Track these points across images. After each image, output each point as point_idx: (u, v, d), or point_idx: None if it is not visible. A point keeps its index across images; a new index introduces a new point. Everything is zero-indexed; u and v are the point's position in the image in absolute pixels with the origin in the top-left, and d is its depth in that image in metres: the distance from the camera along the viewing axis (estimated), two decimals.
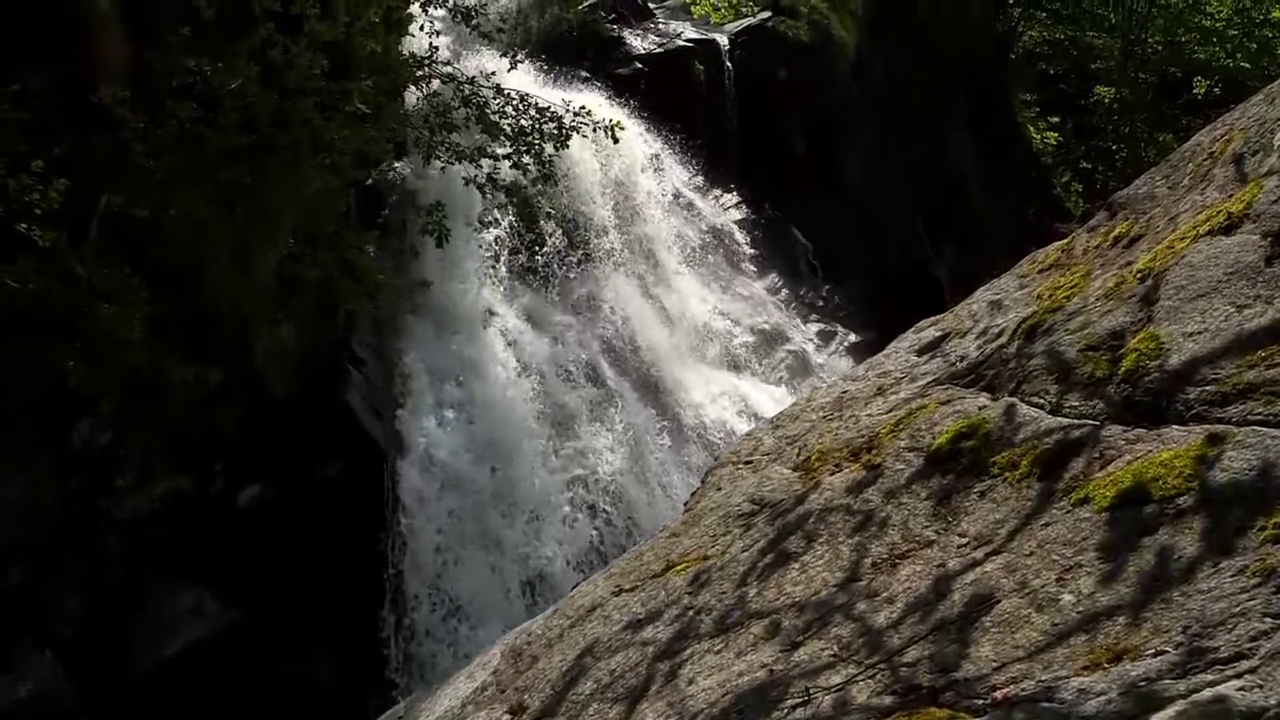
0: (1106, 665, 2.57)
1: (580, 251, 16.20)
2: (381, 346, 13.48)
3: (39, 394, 9.75)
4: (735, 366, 17.20)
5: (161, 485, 10.89)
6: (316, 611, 11.50)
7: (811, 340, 18.86)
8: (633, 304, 16.42)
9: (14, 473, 9.91)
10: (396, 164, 13.91)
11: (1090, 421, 3.37)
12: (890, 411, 4.27)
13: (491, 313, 14.66)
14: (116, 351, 9.73)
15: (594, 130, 12.60)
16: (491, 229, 14.74)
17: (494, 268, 15.00)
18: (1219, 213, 3.71)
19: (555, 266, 15.84)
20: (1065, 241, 5.02)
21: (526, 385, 14.13)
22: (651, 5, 22.23)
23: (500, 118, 12.39)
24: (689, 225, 18.63)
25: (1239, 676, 2.36)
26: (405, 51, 12.59)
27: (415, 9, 12.89)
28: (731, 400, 16.35)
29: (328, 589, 11.57)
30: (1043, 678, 2.65)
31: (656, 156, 18.54)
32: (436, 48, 12.62)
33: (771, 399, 16.20)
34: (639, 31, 21.03)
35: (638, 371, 15.62)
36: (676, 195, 18.70)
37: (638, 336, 15.92)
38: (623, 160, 17.27)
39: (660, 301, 17.05)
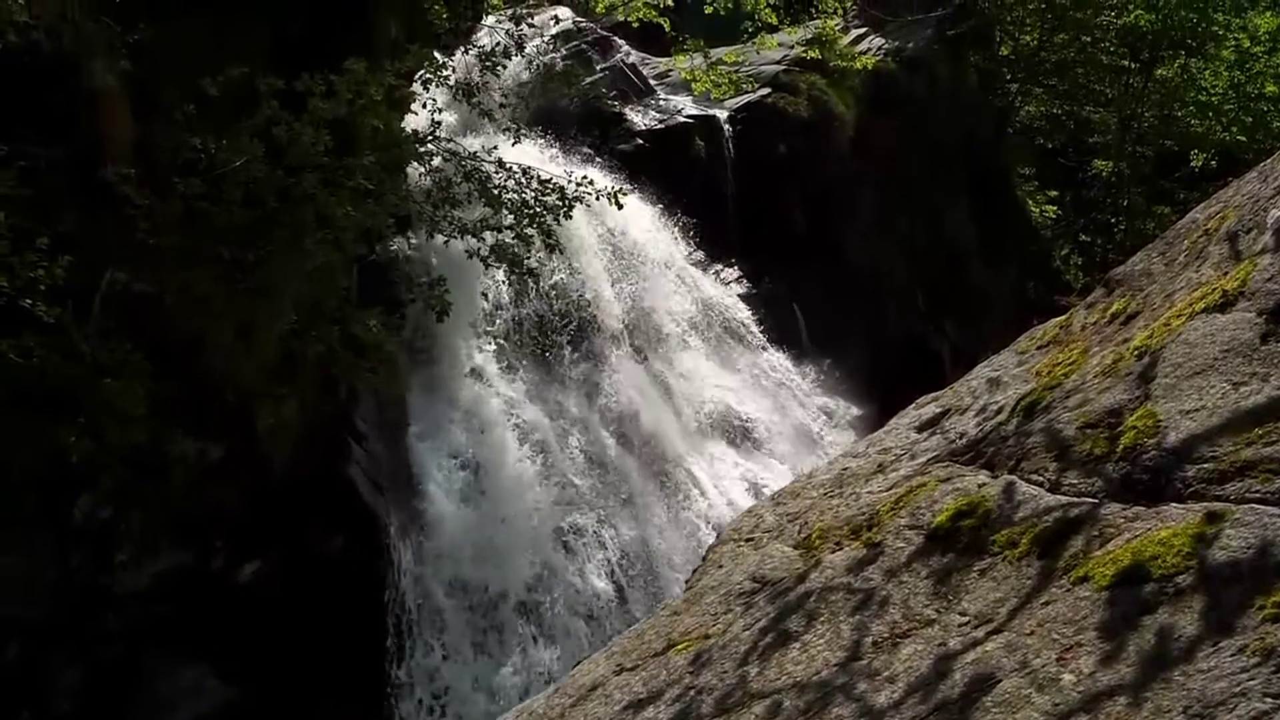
0: None
1: (582, 325, 16.23)
2: (383, 422, 13.48)
3: (40, 469, 9.74)
4: (736, 440, 17.18)
5: (162, 561, 10.86)
6: (318, 689, 11.42)
7: (812, 414, 18.85)
8: (634, 378, 16.43)
9: (14, 548, 9.89)
10: (399, 239, 14.00)
11: (1089, 499, 3.37)
12: (891, 489, 4.27)
13: (492, 387, 14.67)
14: (118, 426, 9.73)
15: (596, 199, 12.69)
16: (492, 303, 14.82)
17: (495, 342, 15.03)
18: (1214, 290, 3.73)
19: (557, 341, 15.87)
20: (1063, 318, 5.04)
21: (528, 461, 14.10)
22: (653, 82, 22.43)
23: (502, 191, 12.47)
24: (689, 299, 18.68)
25: None
26: (408, 128, 12.70)
27: (417, 87, 13.01)
28: (733, 475, 16.33)
29: (329, 666, 11.49)
30: None
31: (657, 230, 18.63)
32: (439, 124, 12.72)
33: (772, 473, 16.18)
34: (640, 108, 21.22)
35: (640, 446, 15.60)
36: (677, 269, 18.77)
37: (639, 411, 15.91)
38: (623, 234, 17.36)
39: (661, 375, 17.06)
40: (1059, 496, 3.49)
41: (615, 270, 17.16)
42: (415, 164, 12.66)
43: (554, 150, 17.90)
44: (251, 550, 11.52)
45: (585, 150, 19.19)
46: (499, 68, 13.38)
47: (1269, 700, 2.41)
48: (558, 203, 12.57)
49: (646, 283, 17.75)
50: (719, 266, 20.16)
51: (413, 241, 14.21)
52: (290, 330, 11.61)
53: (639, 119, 20.89)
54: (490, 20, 17.55)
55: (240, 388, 11.33)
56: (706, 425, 17.11)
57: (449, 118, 14.42)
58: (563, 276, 16.05)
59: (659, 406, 16.45)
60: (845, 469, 4.87)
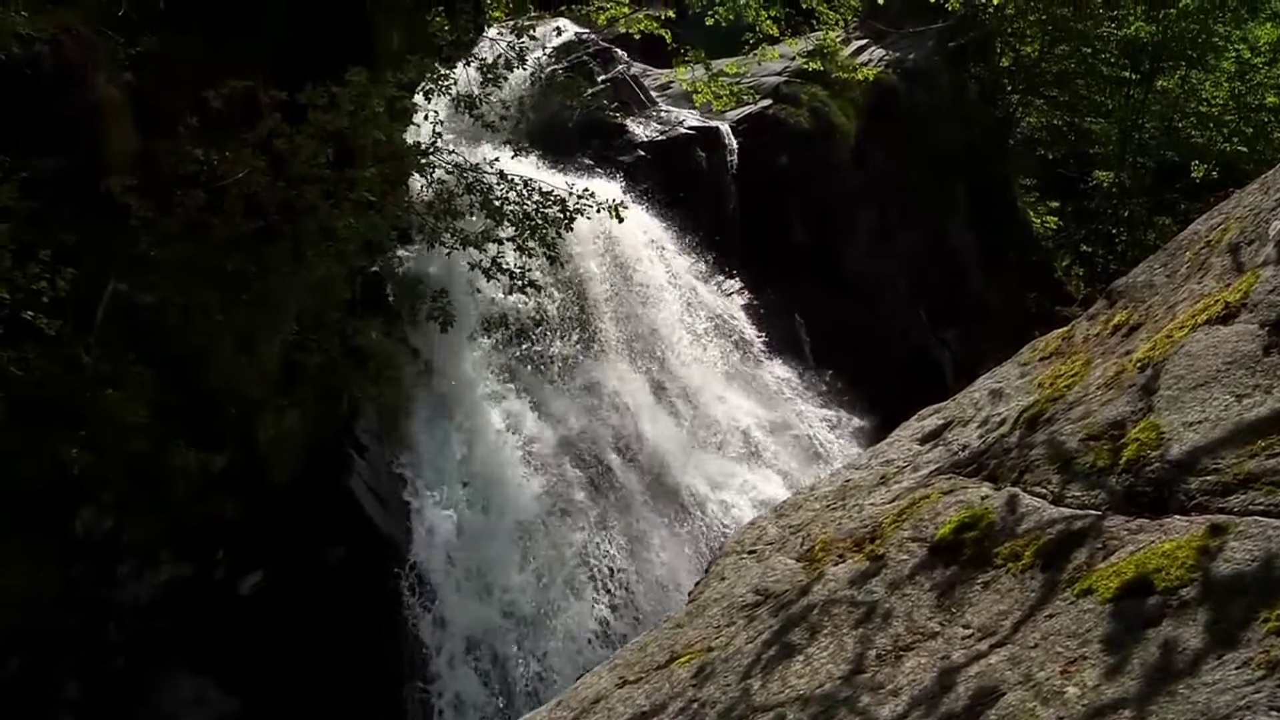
0: None
1: (583, 338, 16.22)
2: (384, 433, 13.46)
3: (41, 481, 9.73)
4: (739, 453, 17.14)
5: (163, 572, 10.84)
6: (320, 700, 11.40)
7: (815, 426, 18.82)
8: (636, 390, 16.41)
9: (16, 560, 9.87)
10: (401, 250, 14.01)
11: (1093, 512, 3.37)
12: (893, 501, 4.26)
13: (494, 400, 14.66)
14: (120, 438, 9.74)
15: (597, 211, 12.69)
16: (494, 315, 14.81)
17: (497, 354, 15.03)
18: (1217, 302, 3.73)
19: (558, 353, 15.84)
20: (1065, 329, 5.04)
21: (529, 474, 14.08)
22: (654, 93, 22.44)
23: (504, 203, 12.47)
24: (691, 311, 18.66)
25: None
26: (409, 140, 12.70)
27: (419, 98, 13.02)
28: (736, 487, 16.29)
29: (331, 677, 11.47)
30: None
31: (658, 242, 18.62)
32: (440, 134, 12.73)
33: (775, 485, 16.15)
34: (641, 119, 21.22)
35: (642, 459, 15.57)
36: (679, 281, 18.76)
37: (642, 423, 15.89)
38: (625, 246, 17.35)
39: (663, 387, 17.04)
40: (1062, 509, 3.48)
41: (617, 282, 17.14)
42: (417, 175, 12.66)
43: (555, 161, 17.89)
44: (253, 561, 11.50)
45: (586, 161, 19.18)
46: (501, 80, 13.37)
47: (1274, 714, 2.41)
48: (559, 215, 12.58)
49: (647, 293, 17.74)
50: (721, 278, 20.14)
51: (411, 250, 14.20)
52: (292, 341, 11.62)
53: (640, 130, 20.88)
54: (492, 32, 17.56)
55: (242, 399, 11.32)
56: (709, 437, 17.07)
57: (450, 130, 14.43)
58: (563, 286, 16.04)
59: (661, 418, 16.42)
60: (848, 481, 4.86)
